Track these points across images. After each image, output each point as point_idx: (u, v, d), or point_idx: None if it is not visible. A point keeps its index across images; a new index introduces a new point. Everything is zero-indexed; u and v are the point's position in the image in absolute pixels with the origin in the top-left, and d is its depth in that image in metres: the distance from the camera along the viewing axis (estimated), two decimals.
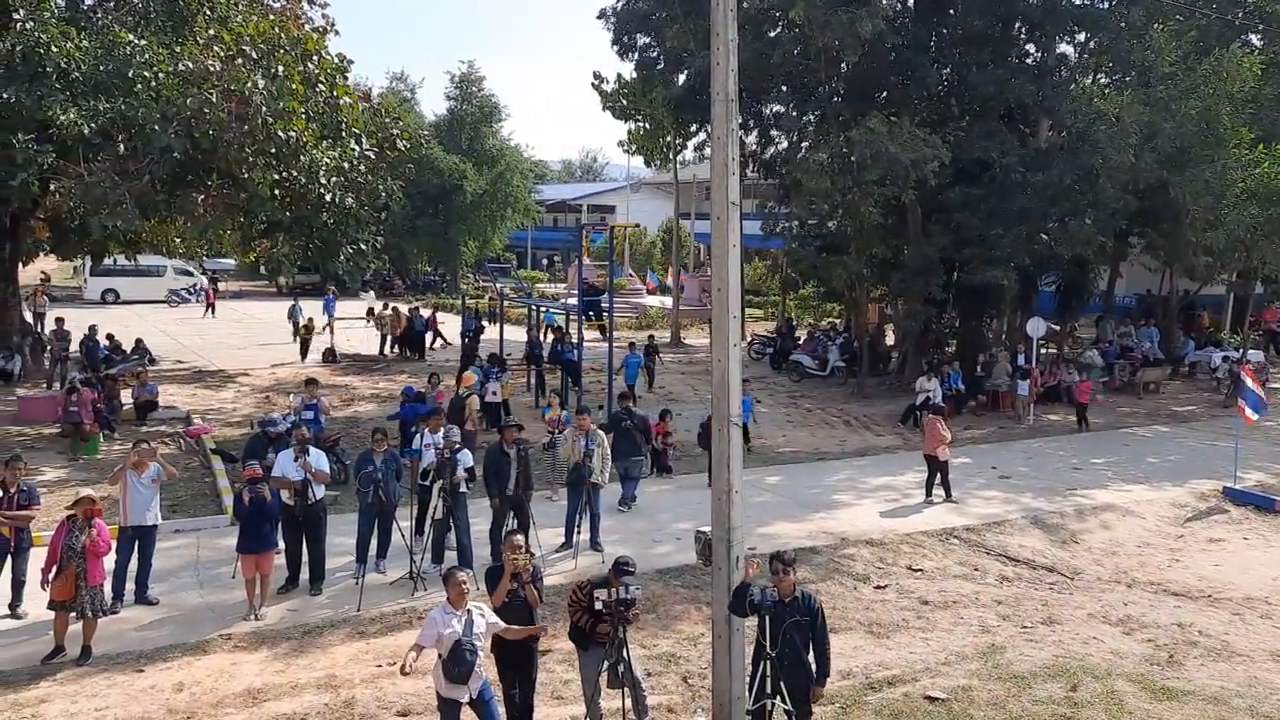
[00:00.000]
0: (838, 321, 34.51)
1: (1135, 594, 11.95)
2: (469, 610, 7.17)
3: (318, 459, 11.34)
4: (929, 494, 15.66)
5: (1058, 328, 28.47)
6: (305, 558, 11.32)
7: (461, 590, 7.18)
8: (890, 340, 30.64)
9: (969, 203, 22.69)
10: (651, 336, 27.31)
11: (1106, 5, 25.61)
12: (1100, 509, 15.37)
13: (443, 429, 12.18)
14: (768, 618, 7.24)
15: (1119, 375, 26.34)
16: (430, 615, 7.30)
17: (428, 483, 11.85)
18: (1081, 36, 26.63)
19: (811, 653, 7.40)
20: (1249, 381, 17.11)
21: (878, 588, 11.93)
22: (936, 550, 13.42)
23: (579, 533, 12.60)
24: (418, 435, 12.82)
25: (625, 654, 7.96)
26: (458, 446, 11.69)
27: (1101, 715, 8.55)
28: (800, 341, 30.06)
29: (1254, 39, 26.72)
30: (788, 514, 14.75)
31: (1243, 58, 22.44)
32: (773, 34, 24.66)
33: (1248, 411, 16.73)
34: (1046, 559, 13.26)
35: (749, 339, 32.52)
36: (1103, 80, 26.70)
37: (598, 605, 7.78)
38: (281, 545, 11.18)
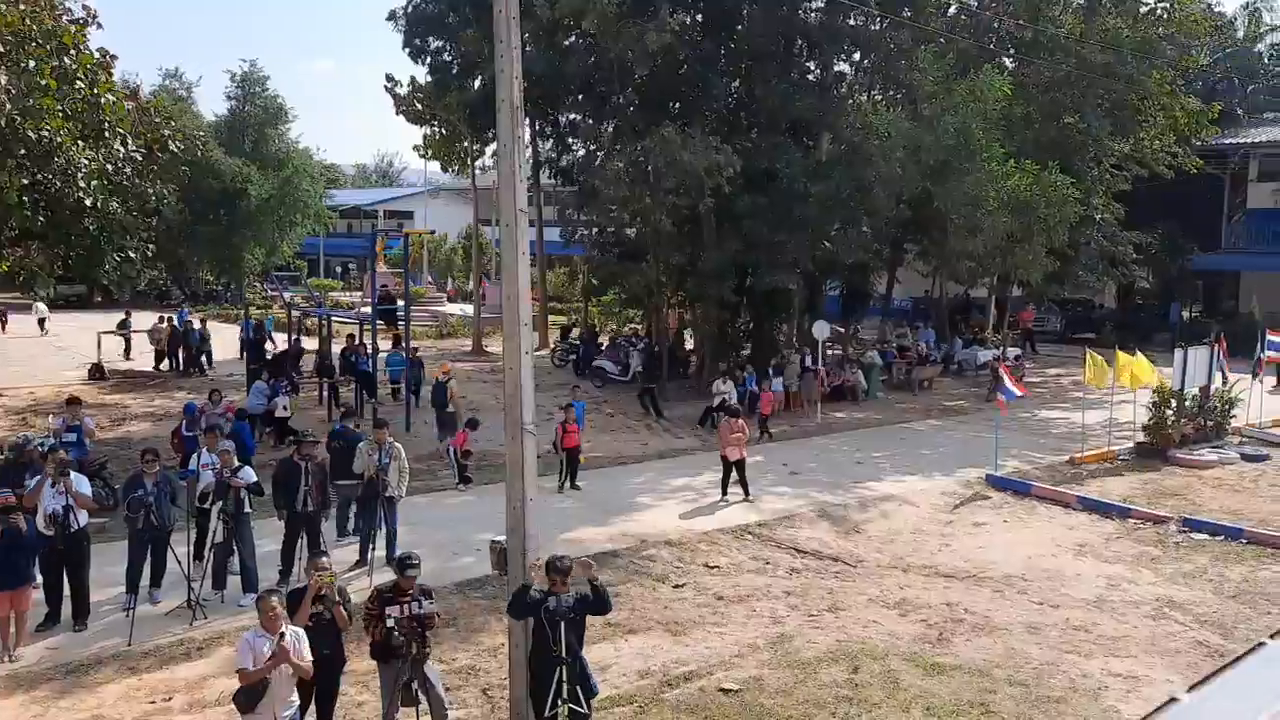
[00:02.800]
0: (639, 327, 35.14)
1: (910, 578, 12.76)
2: (281, 634, 6.86)
3: (79, 483, 10.49)
4: (725, 493, 16.17)
5: (842, 329, 30.09)
6: (67, 591, 10.44)
7: (273, 614, 6.87)
8: (690, 344, 31.46)
9: (758, 210, 23.63)
10: (416, 349, 26.21)
11: (878, 27, 27.29)
12: (880, 499, 16.33)
13: (219, 446, 11.55)
14: (563, 623, 7.27)
15: (897, 373, 28.09)
16: (242, 638, 6.97)
17: (206, 505, 11.20)
18: (857, 56, 28.30)
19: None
20: (1005, 376, 18.64)
21: (676, 587, 12.21)
22: (732, 547, 13.87)
23: (374, 549, 12.24)
24: (194, 455, 12.10)
25: (423, 670, 7.81)
26: (236, 465, 11.11)
27: (879, 694, 9.09)
28: (603, 347, 30.40)
29: (1006, 62, 29.18)
30: (590, 519, 14.86)
31: (995, 79, 24.46)
32: (566, 43, 24.87)
33: (1002, 399, 18.19)
34: (832, 549, 13.95)
35: (552, 345, 32.59)
36: (876, 97, 28.47)
37: (389, 623, 7.60)
38: (40, 579, 10.27)
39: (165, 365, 29.40)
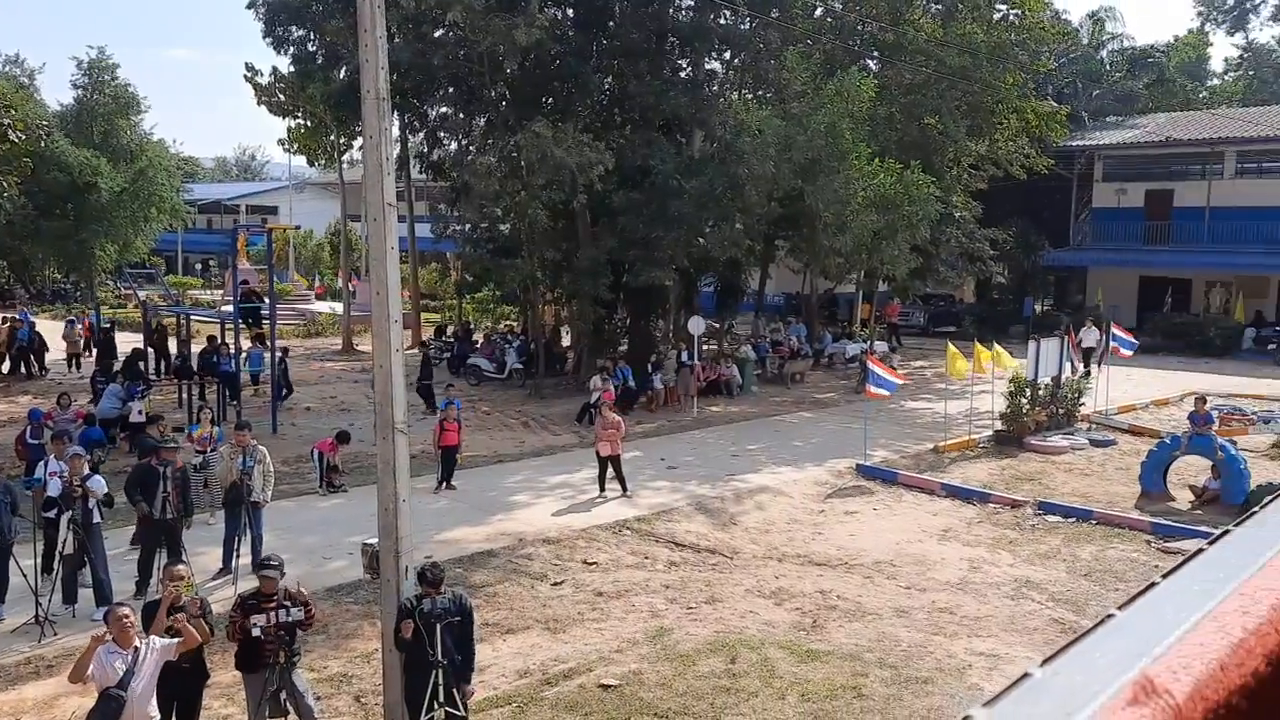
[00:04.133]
0: (515, 324, 34.84)
1: (785, 567, 13.02)
2: (136, 648, 6.49)
3: None
4: (602, 489, 16.16)
5: (717, 325, 30.52)
6: None
7: (124, 626, 6.50)
8: (567, 341, 31.37)
9: (632, 207, 23.72)
10: (285, 349, 25.31)
11: (747, 27, 27.74)
12: (755, 491, 16.62)
13: (68, 452, 10.90)
14: (438, 626, 7.13)
15: (770, 367, 28.64)
16: (95, 654, 6.57)
17: (53, 515, 10.55)
18: (728, 55, 28.72)
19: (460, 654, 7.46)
20: (874, 367, 19.23)
21: (554, 584, 12.14)
22: (610, 542, 13.87)
23: (238, 556, 11.76)
24: (40, 463, 11.38)
25: (291, 679, 7.55)
26: (86, 473, 10.51)
27: (756, 683, 9.23)
28: (478, 344, 30.02)
29: (870, 64, 30.09)
30: (467, 518, 14.64)
31: (860, 80, 25.19)
32: (435, 35, 24.42)
33: (878, 390, 18.71)
34: (709, 542, 14.12)
35: (425, 343, 32.02)
36: (747, 95, 28.94)
37: (255, 633, 7.32)
38: None
39: (5, 368, 27.64)
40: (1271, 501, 0.93)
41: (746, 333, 33.31)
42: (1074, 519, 15.14)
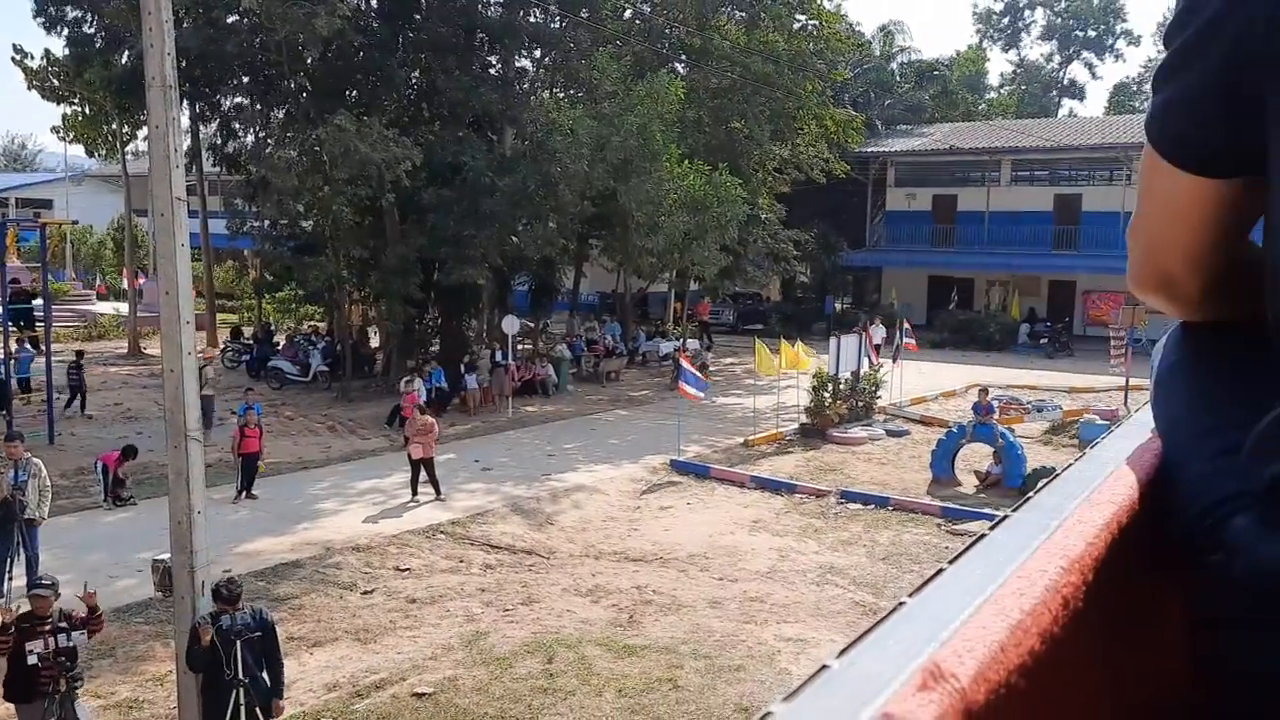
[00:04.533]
0: (321, 325, 33.53)
1: (602, 564, 13.11)
2: None
3: None
4: (415, 493, 15.80)
5: (532, 324, 30.40)
6: None
7: None
8: (375, 342, 30.45)
9: (443, 204, 23.28)
10: (80, 353, 23.53)
11: (558, 26, 27.77)
12: (572, 490, 16.65)
13: None
14: (238, 643, 6.76)
15: (585, 366, 28.78)
16: None
17: None
18: (539, 53, 28.65)
19: (266, 670, 7.12)
20: (686, 365, 19.66)
21: (365, 593, 11.76)
22: (424, 547, 13.57)
23: (10, 579, 10.78)
24: None
25: (72, 708, 6.98)
26: None
27: (574, 681, 9.24)
28: (280, 346, 28.72)
29: (679, 67, 30.75)
30: (269, 529, 13.98)
31: (670, 83, 25.68)
32: (228, 20, 23.18)
33: (690, 390, 19.16)
34: (526, 543, 14.04)
35: (222, 346, 30.36)
36: (559, 94, 28.99)
37: (32, 660, 6.72)
38: None
39: None
40: (1045, 485, 0.93)
41: (562, 332, 33.34)
42: (873, 506, 15.97)
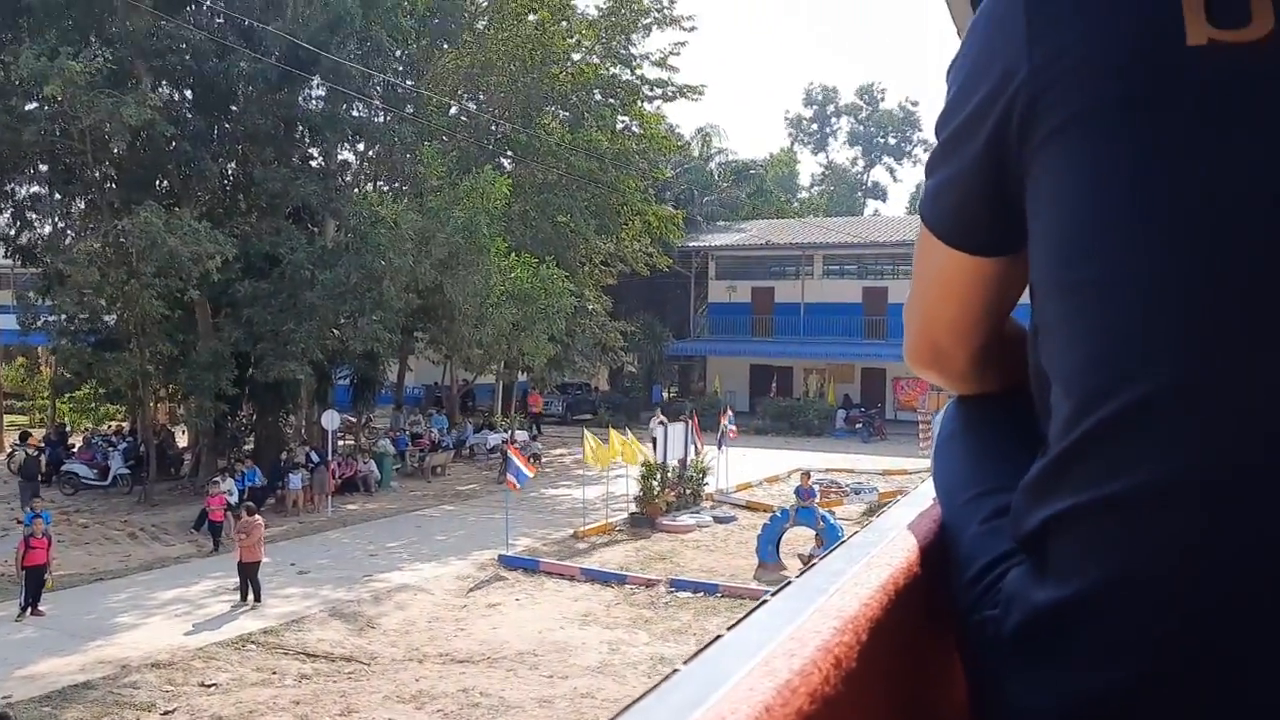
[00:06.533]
0: (123, 424, 31.37)
1: (426, 668, 12.56)
2: None
3: None
4: (244, 598, 14.90)
5: (354, 419, 29.45)
6: None
7: None
8: (184, 441, 28.72)
9: (260, 297, 22.47)
10: None
11: (383, 120, 27.69)
12: (395, 591, 15.99)
13: None
14: None
15: (411, 461, 28.01)
16: None
17: None
18: (362, 146, 28.41)
19: None
20: (515, 458, 19.43)
21: (165, 714, 10.82)
22: (233, 660, 12.66)
23: None
24: None
25: None
26: None
27: None
28: (76, 449, 26.67)
29: (505, 162, 31.14)
30: (57, 647, 12.74)
31: (495, 178, 25.92)
32: (27, 107, 21.94)
33: (516, 483, 18.91)
34: (345, 649, 13.32)
35: (10, 450, 27.91)
36: (383, 187, 28.74)
37: None
38: None
39: None
40: (829, 553, 0.96)
41: (385, 426, 32.43)
42: (702, 593, 16.04)
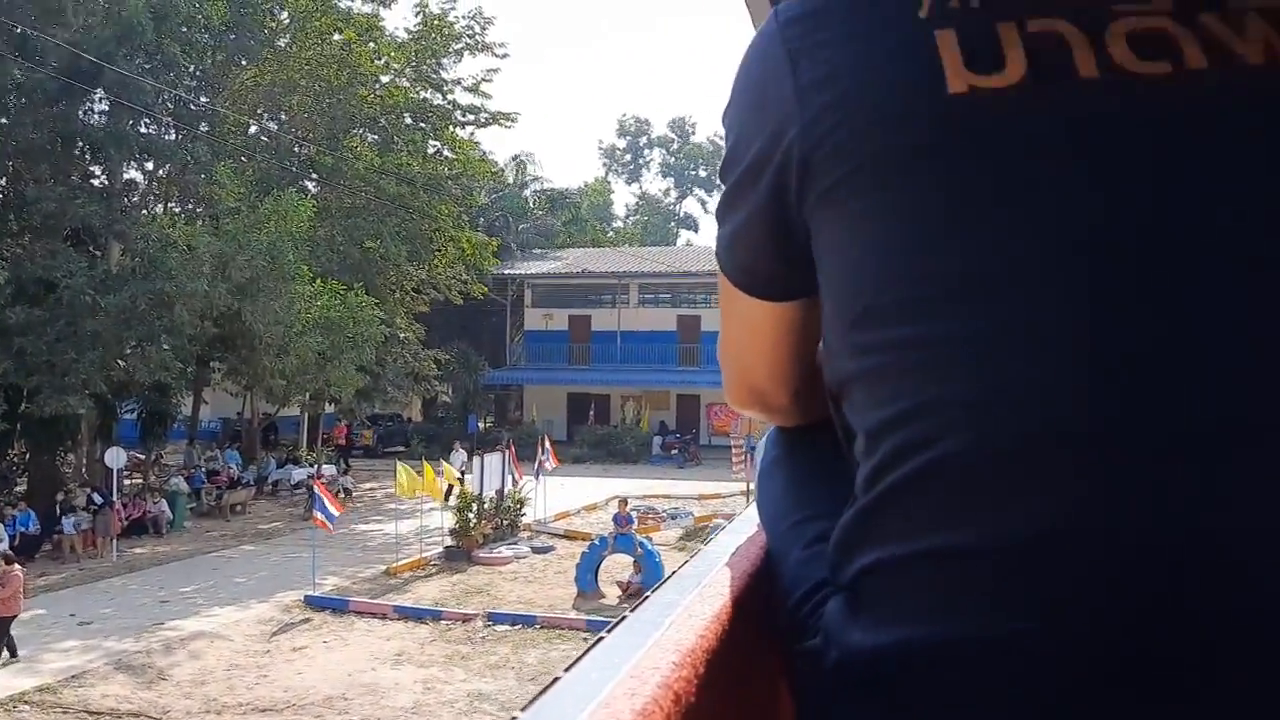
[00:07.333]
0: None
1: None
2: None
3: None
4: (14, 654, 13.53)
5: (142, 457, 27.53)
6: None
7: None
8: None
9: (33, 325, 20.70)
10: None
11: (174, 138, 26.20)
12: (189, 639, 14.94)
13: None
14: None
15: (207, 499, 26.39)
16: None
17: None
18: (150, 165, 26.73)
19: None
20: (322, 495, 18.62)
21: None
22: None
23: None
24: None
25: None
26: None
27: None
28: None
29: (310, 185, 30.05)
30: None
31: (299, 201, 24.94)
32: None
33: (323, 520, 18.12)
34: (133, 704, 12.32)
35: None
36: (174, 209, 27.13)
37: None
38: None
39: None
40: (661, 585, 0.95)
41: (179, 463, 30.45)
42: (520, 625, 15.81)
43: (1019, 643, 0.67)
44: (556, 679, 0.69)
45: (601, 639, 0.80)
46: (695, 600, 0.86)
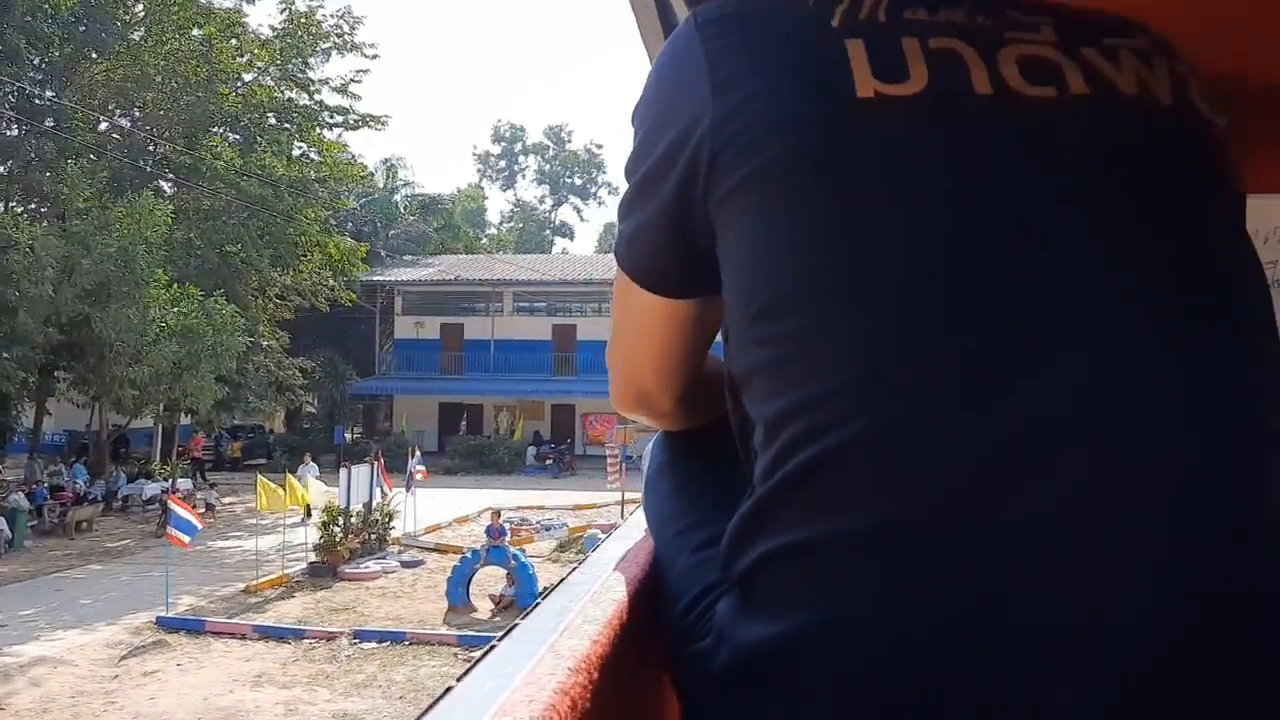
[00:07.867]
0: None
1: None
2: None
3: None
4: None
5: None
6: None
7: None
8: None
9: None
10: None
11: (17, 133, 24.67)
12: (29, 665, 14.00)
13: None
14: None
15: (50, 517, 24.86)
16: None
17: None
18: None
19: None
20: (178, 509, 17.76)
21: None
22: None
23: None
24: None
25: None
26: None
27: None
28: None
29: (166, 186, 28.72)
30: None
31: (154, 203, 23.80)
32: None
33: (180, 537, 17.28)
34: None
35: None
36: (16, 208, 25.51)
37: None
38: None
39: None
40: (551, 591, 0.96)
41: (18, 478, 28.58)
42: (388, 642, 15.40)
43: (862, 629, 0.70)
44: (450, 688, 0.68)
45: (493, 647, 0.80)
46: (588, 606, 0.86)
